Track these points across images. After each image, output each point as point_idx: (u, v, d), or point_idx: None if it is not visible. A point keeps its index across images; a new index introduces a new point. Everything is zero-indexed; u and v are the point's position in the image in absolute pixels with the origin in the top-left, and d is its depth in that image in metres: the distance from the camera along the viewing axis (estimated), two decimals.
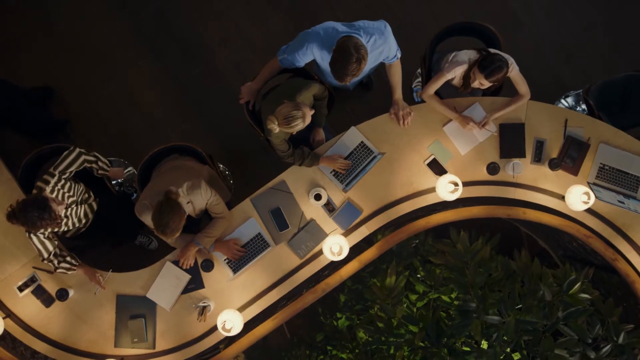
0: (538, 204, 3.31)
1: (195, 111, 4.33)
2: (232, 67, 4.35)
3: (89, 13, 4.35)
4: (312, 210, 3.30)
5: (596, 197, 3.15)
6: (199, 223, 3.36)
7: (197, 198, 3.00)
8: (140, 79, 4.34)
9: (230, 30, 4.38)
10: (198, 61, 4.35)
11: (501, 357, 2.73)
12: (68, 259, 3.17)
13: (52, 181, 2.95)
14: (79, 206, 3.17)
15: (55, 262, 3.12)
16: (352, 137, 3.33)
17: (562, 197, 3.28)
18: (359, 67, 2.73)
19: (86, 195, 3.25)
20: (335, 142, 3.33)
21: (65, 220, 3.07)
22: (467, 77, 3.14)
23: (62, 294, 3.23)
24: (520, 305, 2.80)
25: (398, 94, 3.26)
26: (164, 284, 3.27)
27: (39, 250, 3.04)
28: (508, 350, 2.82)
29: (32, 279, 3.26)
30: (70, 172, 3.05)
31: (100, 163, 3.22)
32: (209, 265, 3.28)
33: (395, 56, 3.10)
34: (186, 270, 3.26)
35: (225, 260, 3.29)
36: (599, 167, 3.31)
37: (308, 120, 2.90)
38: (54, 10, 4.34)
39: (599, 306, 2.90)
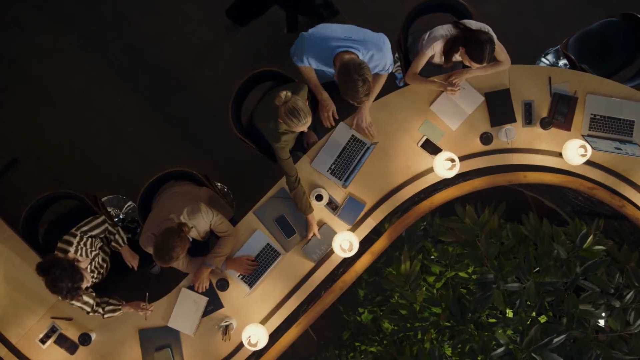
0: (537, 165, 3.32)
1: (183, 135, 4.33)
2: (210, 85, 4.35)
3: (57, 57, 4.34)
4: (316, 211, 3.30)
5: (593, 148, 3.15)
6: (207, 245, 3.36)
7: (199, 222, 3.00)
8: (122, 114, 4.33)
9: (201, 51, 4.37)
10: (176, 86, 4.35)
11: (528, 322, 2.73)
12: (111, 301, 3.18)
13: (75, 241, 2.96)
14: (98, 256, 3.18)
15: (101, 310, 3.13)
16: (342, 132, 3.32)
17: (560, 154, 3.28)
18: (368, 86, 2.75)
19: (101, 243, 3.26)
20: (326, 140, 3.32)
21: (91, 275, 3.08)
22: (448, 52, 3.13)
23: (85, 339, 3.23)
24: (538, 268, 2.80)
25: (368, 108, 3.24)
26: (183, 311, 3.27)
27: (81, 308, 3.07)
28: (534, 314, 2.82)
29: (53, 329, 3.26)
30: (91, 235, 3.06)
31: (117, 237, 3.23)
32: (224, 284, 3.28)
33: (387, 69, 3.08)
34: (203, 293, 3.26)
35: (239, 276, 3.29)
36: (590, 118, 3.31)
37: (303, 129, 2.89)
38: (23, 59, 4.34)
39: (615, 255, 2.89)
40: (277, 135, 2.97)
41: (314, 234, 3.25)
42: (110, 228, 3.17)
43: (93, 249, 3.06)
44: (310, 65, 2.97)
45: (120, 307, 3.19)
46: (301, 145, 3.46)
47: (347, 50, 2.79)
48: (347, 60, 2.75)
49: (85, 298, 3.05)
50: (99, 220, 3.11)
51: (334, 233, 3.28)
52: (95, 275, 3.14)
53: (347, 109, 3.27)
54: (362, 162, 3.30)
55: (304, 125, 2.84)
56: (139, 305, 3.19)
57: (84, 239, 3.00)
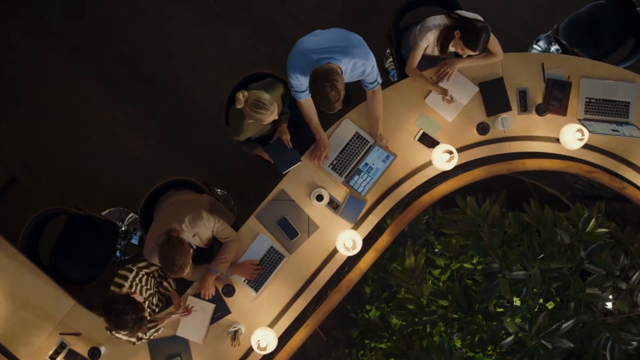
0: (535, 152, 3.32)
1: (180, 143, 4.33)
2: (205, 91, 4.35)
3: (50, 74, 4.34)
4: (317, 211, 3.30)
5: (590, 131, 3.15)
6: (210, 252, 3.36)
7: (201, 229, 3.00)
8: (118, 125, 4.33)
9: (194, 57, 4.37)
10: (171, 94, 4.35)
11: (535, 310, 2.74)
12: (150, 324, 3.13)
13: (130, 276, 2.96)
14: (154, 296, 3.18)
15: (145, 337, 3.10)
16: (346, 128, 3.32)
17: (557, 140, 3.28)
18: (338, 92, 2.71)
19: (157, 285, 3.24)
20: (330, 135, 3.31)
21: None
22: (444, 40, 3.11)
23: (95, 353, 3.22)
24: (542, 255, 2.80)
25: (381, 126, 3.24)
26: (191, 319, 3.26)
27: (128, 341, 3.04)
28: (541, 301, 2.83)
29: (62, 345, 3.25)
30: (146, 273, 3.06)
31: (165, 283, 3.25)
32: (230, 290, 3.28)
33: (376, 81, 3.05)
34: (209, 301, 3.26)
35: (244, 281, 3.28)
36: (585, 102, 3.31)
37: (274, 117, 2.93)
38: (17, 78, 4.34)
39: (618, 237, 2.90)
40: (239, 129, 3.12)
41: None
42: (160, 272, 3.19)
43: (148, 287, 3.05)
44: (301, 82, 2.92)
45: (157, 323, 3.15)
46: (299, 145, 3.44)
47: (329, 63, 2.76)
48: (318, 68, 2.73)
49: None
50: (152, 262, 3.12)
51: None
52: (147, 312, 3.10)
53: (354, 103, 3.31)
54: (363, 159, 3.29)
55: (272, 112, 2.89)
56: (175, 313, 3.17)
57: (139, 275, 3.00)
